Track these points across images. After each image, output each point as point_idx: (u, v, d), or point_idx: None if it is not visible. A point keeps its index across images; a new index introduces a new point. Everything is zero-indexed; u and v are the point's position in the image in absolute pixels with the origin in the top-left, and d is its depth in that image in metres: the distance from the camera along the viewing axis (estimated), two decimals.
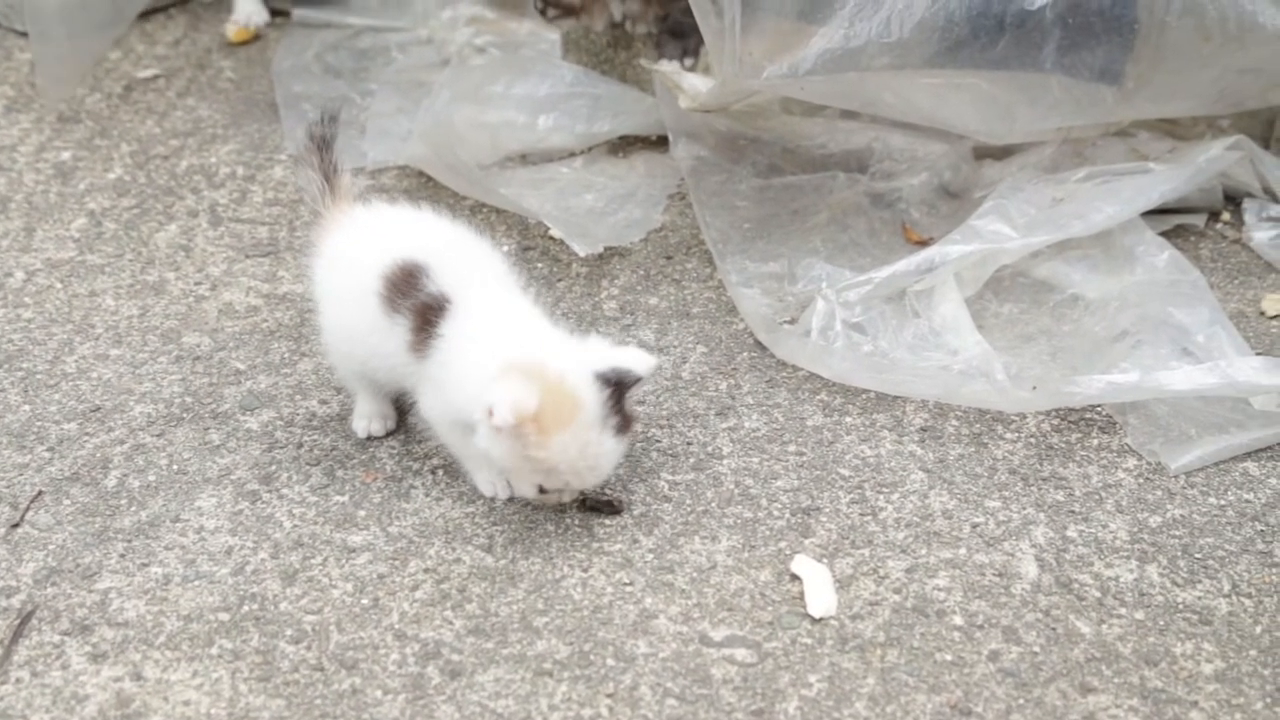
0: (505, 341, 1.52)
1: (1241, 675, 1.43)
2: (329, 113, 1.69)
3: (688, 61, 2.36)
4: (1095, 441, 1.74)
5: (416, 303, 1.56)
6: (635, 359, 1.53)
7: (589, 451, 1.50)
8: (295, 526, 1.59)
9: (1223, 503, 1.65)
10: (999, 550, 1.57)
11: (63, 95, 2.44)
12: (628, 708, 1.38)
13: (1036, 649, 1.45)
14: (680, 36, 2.40)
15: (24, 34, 2.68)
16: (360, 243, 1.64)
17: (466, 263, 1.61)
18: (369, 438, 1.71)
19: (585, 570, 1.54)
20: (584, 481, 1.53)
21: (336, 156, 1.69)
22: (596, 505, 1.62)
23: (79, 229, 2.14)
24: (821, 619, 1.48)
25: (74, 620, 1.47)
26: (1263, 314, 1.98)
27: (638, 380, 1.53)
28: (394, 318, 1.57)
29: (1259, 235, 2.11)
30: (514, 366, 1.48)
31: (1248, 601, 1.51)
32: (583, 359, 1.51)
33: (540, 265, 2.07)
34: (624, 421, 1.52)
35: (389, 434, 1.72)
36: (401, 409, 1.72)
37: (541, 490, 1.53)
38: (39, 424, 1.74)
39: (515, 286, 1.64)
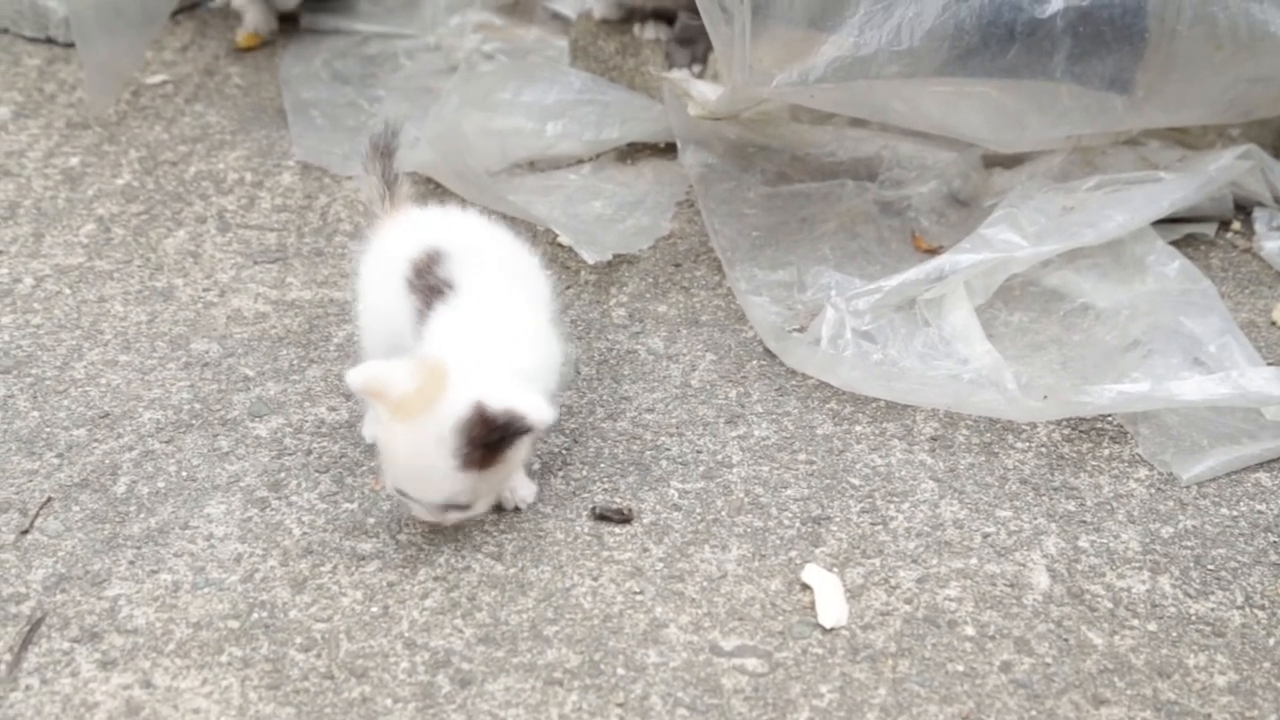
0: (451, 336, 1.52)
1: (1255, 688, 1.42)
2: (391, 125, 1.71)
3: (696, 69, 2.36)
4: (1106, 451, 1.74)
5: (426, 284, 1.57)
6: (534, 408, 1.47)
7: (413, 456, 1.46)
8: (305, 534, 1.59)
9: (1235, 514, 1.64)
10: (1010, 560, 1.57)
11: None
12: (638, 717, 1.38)
13: (1049, 660, 1.45)
14: (689, 44, 2.40)
15: (33, 39, 2.68)
16: (403, 235, 1.66)
17: (485, 258, 1.61)
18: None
19: (595, 579, 1.54)
20: (414, 489, 1.49)
21: (397, 165, 1.70)
22: (606, 514, 1.62)
23: (87, 235, 2.14)
24: (832, 629, 1.48)
25: (83, 627, 1.46)
26: (1274, 324, 1.97)
27: (527, 429, 1.47)
28: (410, 297, 1.58)
29: (1270, 245, 2.11)
30: (421, 357, 1.50)
31: (1261, 613, 1.51)
32: (488, 382, 1.47)
33: (549, 273, 2.06)
34: (479, 456, 1.46)
35: None
36: None
37: (398, 490, 1.52)
38: (48, 430, 1.74)
39: (522, 289, 1.63)
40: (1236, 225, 2.17)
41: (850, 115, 2.24)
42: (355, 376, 1.48)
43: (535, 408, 1.47)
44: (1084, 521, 1.63)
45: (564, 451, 1.72)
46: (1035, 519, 1.63)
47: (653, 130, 2.33)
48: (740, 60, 1.96)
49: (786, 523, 1.62)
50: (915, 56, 1.95)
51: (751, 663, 1.44)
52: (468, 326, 1.54)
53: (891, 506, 1.65)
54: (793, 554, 1.58)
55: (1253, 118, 2.14)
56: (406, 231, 1.66)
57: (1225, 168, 2.07)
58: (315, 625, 1.47)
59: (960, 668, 1.44)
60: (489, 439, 1.46)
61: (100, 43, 2.36)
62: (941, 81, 2.00)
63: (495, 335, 1.54)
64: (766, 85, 1.98)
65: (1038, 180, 2.10)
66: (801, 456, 1.72)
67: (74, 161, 2.32)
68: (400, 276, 1.60)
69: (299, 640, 1.45)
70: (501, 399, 1.46)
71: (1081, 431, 1.77)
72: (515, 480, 1.60)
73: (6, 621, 1.46)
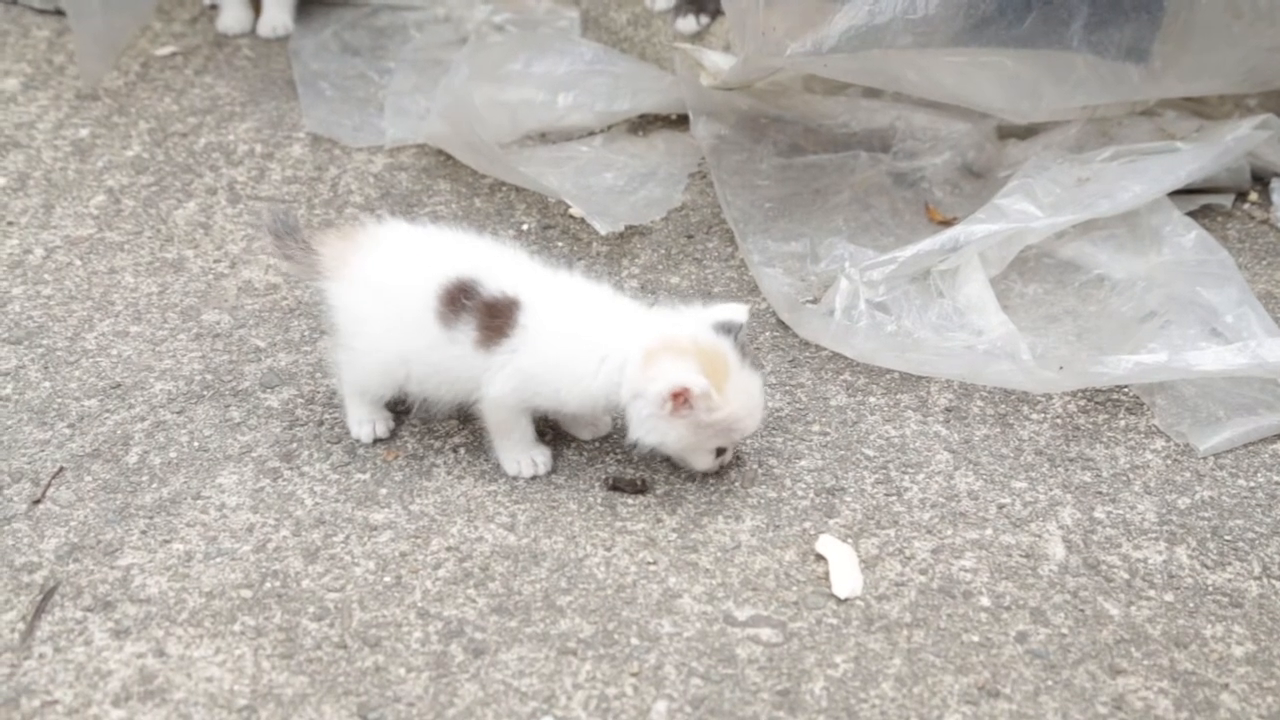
0: (616, 328, 1.56)
1: (1273, 658, 1.41)
2: (282, 210, 1.67)
3: (703, 20, 2.35)
4: (1122, 422, 1.72)
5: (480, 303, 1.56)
6: (733, 311, 1.57)
7: (751, 392, 1.56)
8: (317, 504, 1.58)
9: (1252, 484, 1.63)
10: (1026, 531, 1.56)
11: (102, 73, 2.43)
12: (652, 687, 1.37)
13: (1065, 630, 1.44)
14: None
15: (42, 11, 2.67)
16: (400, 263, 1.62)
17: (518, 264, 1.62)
18: (376, 442, 1.68)
19: (609, 549, 1.53)
20: (754, 423, 1.58)
21: (304, 234, 1.65)
22: (620, 485, 1.61)
23: (98, 206, 2.13)
24: (847, 599, 1.47)
25: (96, 596, 1.46)
26: None
27: (740, 327, 1.57)
28: (462, 324, 1.56)
29: None
30: (654, 349, 1.52)
31: (1279, 584, 1.50)
32: (697, 320, 1.57)
33: (561, 244, 2.06)
34: (753, 359, 1.60)
35: (393, 434, 1.69)
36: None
37: (718, 454, 1.59)
38: (59, 401, 1.73)
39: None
40: (1254, 196, 2.15)
41: (864, 85, 2.22)
42: (703, 383, 1.49)
43: (734, 310, 1.60)
44: (1100, 492, 1.62)
45: None
46: (1051, 490, 1.62)
47: (665, 101, 2.31)
48: (753, 29, 1.94)
49: (800, 494, 1.61)
50: (930, 25, 1.93)
51: (766, 633, 1.43)
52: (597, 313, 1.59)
53: (906, 477, 1.64)
54: (807, 525, 1.57)
55: (1271, 87, 2.11)
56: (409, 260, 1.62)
57: (1242, 138, 2.05)
58: (328, 595, 1.47)
59: (976, 638, 1.43)
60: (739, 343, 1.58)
61: (95, 13, 2.35)
62: (956, 51, 1.98)
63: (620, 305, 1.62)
64: (779, 55, 1.96)
65: (1053, 151, 2.08)
66: (815, 428, 1.71)
67: (84, 133, 2.31)
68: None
69: (312, 610, 1.45)
70: (710, 316, 1.58)
71: (1097, 403, 1.75)
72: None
73: (20, 590, 1.46)
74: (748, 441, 1.68)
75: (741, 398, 1.54)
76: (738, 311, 1.58)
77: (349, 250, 1.63)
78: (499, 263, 1.60)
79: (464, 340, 1.56)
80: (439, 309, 1.57)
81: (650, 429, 1.53)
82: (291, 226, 1.65)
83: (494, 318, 1.55)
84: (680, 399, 1.50)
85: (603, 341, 1.55)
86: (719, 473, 1.63)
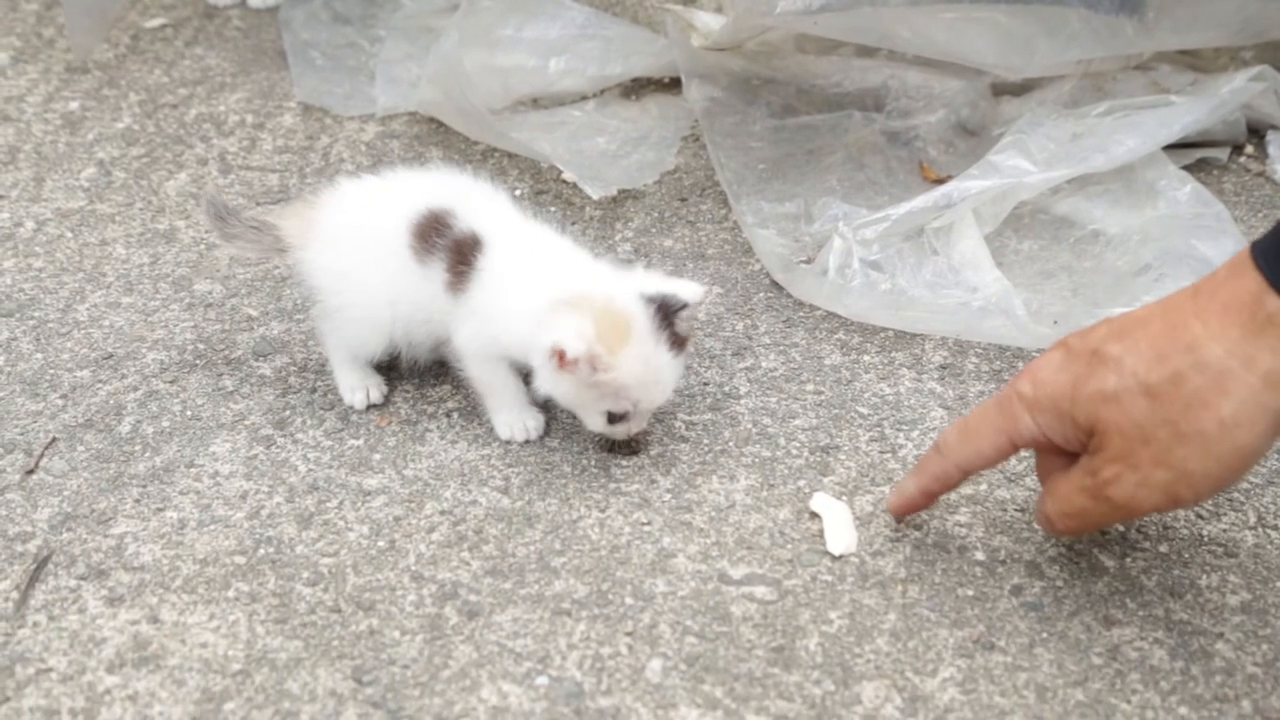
0: (548, 277, 1.54)
1: (1268, 606, 1.41)
2: (210, 194, 1.67)
3: None
4: None
5: (450, 242, 1.56)
6: (683, 287, 1.55)
7: (651, 365, 1.51)
8: (310, 470, 1.58)
9: None
10: (1021, 486, 1.56)
11: (92, 45, 2.42)
12: (647, 645, 1.37)
13: (1059, 583, 1.44)
14: None
15: None
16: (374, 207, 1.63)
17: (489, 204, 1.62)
18: (369, 408, 1.67)
19: (602, 511, 1.53)
20: (651, 399, 1.53)
21: (243, 214, 1.66)
22: (614, 446, 1.61)
23: (88, 178, 2.12)
24: (841, 556, 1.47)
25: (90, 565, 1.46)
26: None
27: (683, 305, 1.53)
28: (433, 263, 1.56)
29: None
30: (560, 301, 1.50)
31: (1274, 533, 1.49)
32: (628, 283, 1.54)
33: (553, 209, 2.05)
34: (676, 339, 1.53)
35: (386, 399, 1.68)
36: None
37: (611, 420, 1.54)
38: (52, 372, 1.73)
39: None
40: (1249, 149, 2.14)
41: (855, 43, 2.20)
42: (578, 347, 1.46)
43: (685, 287, 1.55)
44: None
45: None
46: None
47: (657, 65, 2.30)
48: None
49: (795, 452, 1.61)
50: None
51: (760, 590, 1.43)
52: (541, 261, 1.56)
53: (900, 434, 1.63)
54: (801, 483, 1.56)
55: (1266, 39, 2.10)
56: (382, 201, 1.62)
57: (1238, 90, 2.03)
58: (322, 560, 1.47)
59: (970, 592, 1.43)
60: (671, 322, 1.52)
61: None
62: (948, 6, 1.97)
63: (569, 257, 1.58)
64: (770, 13, 1.95)
65: (1047, 107, 2.06)
66: (809, 387, 1.71)
67: (73, 106, 2.30)
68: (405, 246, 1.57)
69: (306, 575, 1.45)
70: (647, 285, 1.54)
71: None
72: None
73: (14, 560, 1.46)
74: (742, 403, 1.68)
75: (635, 367, 1.49)
76: (690, 291, 1.54)
77: (313, 215, 1.63)
78: (467, 198, 1.60)
79: (436, 279, 1.57)
80: (413, 244, 1.57)
81: (544, 379, 1.52)
82: (226, 209, 1.64)
83: (461, 261, 1.56)
84: (562, 356, 1.48)
85: (542, 291, 1.52)
86: (629, 446, 1.61)
